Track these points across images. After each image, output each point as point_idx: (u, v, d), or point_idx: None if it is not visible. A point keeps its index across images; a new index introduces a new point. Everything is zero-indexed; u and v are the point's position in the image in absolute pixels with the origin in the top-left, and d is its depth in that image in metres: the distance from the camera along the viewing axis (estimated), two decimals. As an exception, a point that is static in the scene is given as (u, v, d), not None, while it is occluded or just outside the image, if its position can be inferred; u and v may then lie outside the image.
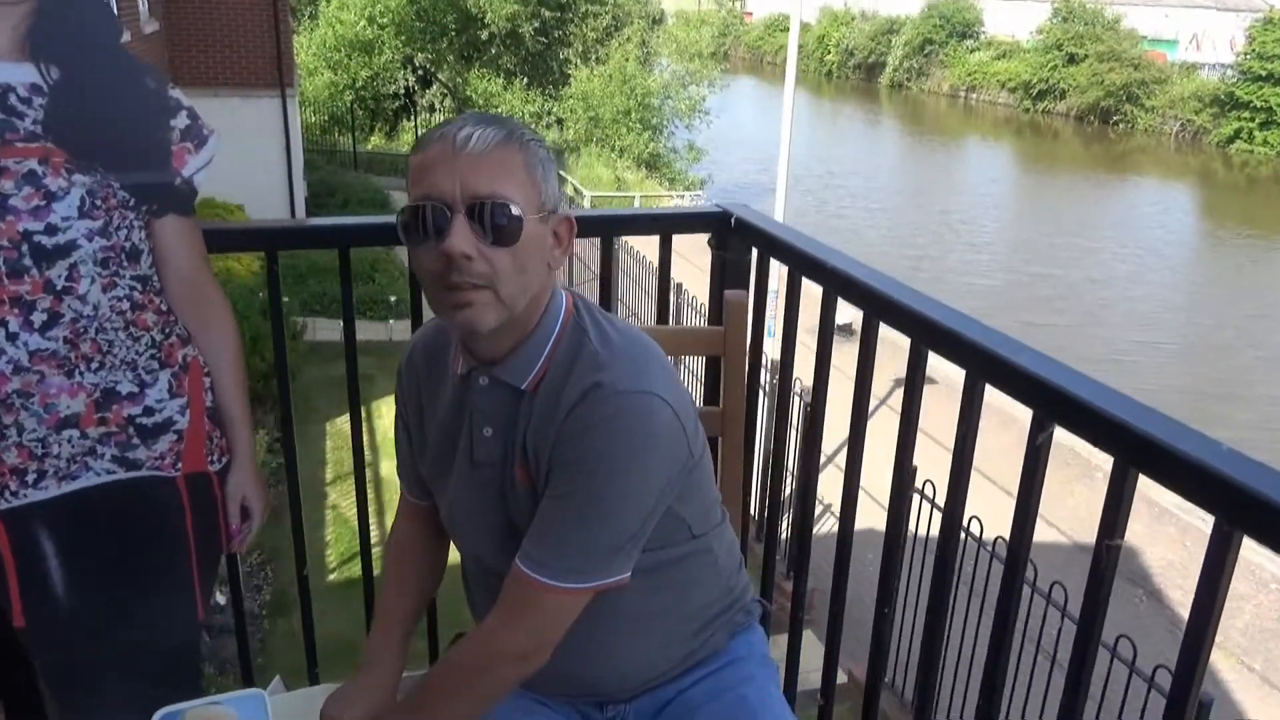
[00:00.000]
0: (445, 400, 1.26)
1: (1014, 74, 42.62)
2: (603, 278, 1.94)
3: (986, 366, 1.23)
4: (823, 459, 1.75)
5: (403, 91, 23.38)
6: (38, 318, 1.27)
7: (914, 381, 1.39)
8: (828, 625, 1.74)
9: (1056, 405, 1.11)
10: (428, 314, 1.79)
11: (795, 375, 1.88)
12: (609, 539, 1.12)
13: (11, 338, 1.25)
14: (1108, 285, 18.08)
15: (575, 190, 19.72)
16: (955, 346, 1.28)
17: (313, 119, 21.35)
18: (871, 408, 1.60)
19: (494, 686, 1.20)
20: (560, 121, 23.72)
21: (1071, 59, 39.35)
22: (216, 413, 1.47)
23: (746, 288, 1.91)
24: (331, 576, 6.47)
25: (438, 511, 1.38)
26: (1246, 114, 33.44)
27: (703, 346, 1.71)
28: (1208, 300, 17.63)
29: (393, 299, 10.73)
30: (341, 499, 7.49)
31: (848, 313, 1.64)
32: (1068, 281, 18.03)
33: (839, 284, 1.57)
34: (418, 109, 23.18)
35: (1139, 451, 1.00)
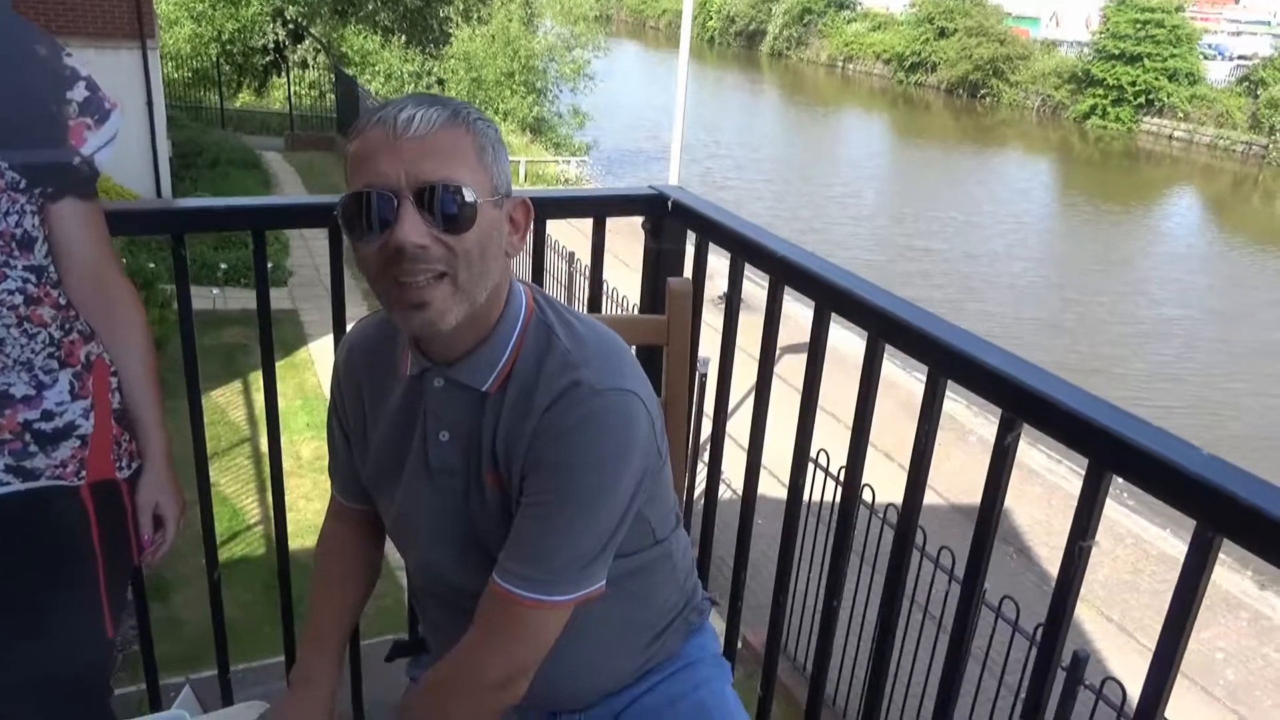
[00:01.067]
0: (392, 403, 1.17)
1: (888, 46, 43.76)
2: (535, 264, 1.86)
3: (951, 363, 1.21)
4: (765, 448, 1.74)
5: (273, 46, 22.23)
6: None
7: (869, 378, 1.36)
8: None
9: (1026, 405, 1.10)
10: (351, 303, 1.69)
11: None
12: (588, 546, 1.06)
13: None
14: (987, 260, 18.66)
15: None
16: (916, 342, 1.25)
17: (175, 74, 20.08)
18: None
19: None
20: (442, 82, 23.00)
21: (942, 33, 40.65)
22: (125, 415, 1.34)
23: (680, 273, 1.87)
24: (212, 558, 6.17)
25: (372, 515, 1.30)
26: (1100, 91, 35.20)
27: (643, 335, 1.65)
28: (1079, 275, 18.38)
29: (269, 265, 10.24)
30: (221, 475, 7.13)
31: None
32: (947, 256, 18.54)
33: (785, 272, 1.53)
34: (289, 65, 22.09)
35: (1113, 454, 1.00)
